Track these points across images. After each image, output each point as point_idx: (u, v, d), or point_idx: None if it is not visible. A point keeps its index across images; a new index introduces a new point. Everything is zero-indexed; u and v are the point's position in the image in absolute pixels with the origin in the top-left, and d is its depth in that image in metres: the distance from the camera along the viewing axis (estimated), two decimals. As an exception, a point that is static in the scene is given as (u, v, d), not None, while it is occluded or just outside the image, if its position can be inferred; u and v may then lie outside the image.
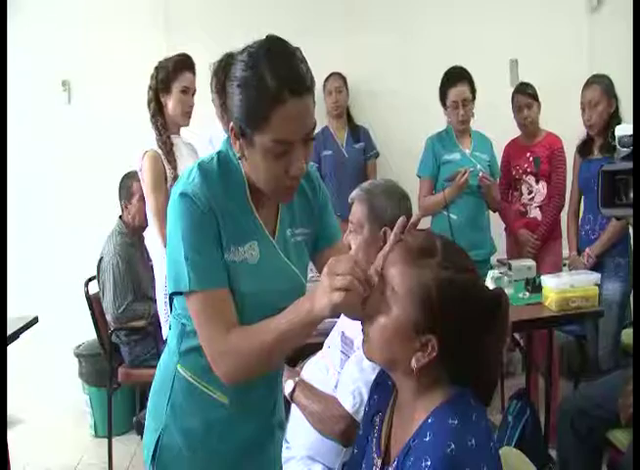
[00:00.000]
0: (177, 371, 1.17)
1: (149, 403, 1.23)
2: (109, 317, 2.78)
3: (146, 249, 2.60)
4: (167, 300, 2.33)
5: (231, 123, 1.03)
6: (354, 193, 1.71)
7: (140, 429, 2.81)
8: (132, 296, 2.77)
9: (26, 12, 3.20)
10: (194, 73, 2.36)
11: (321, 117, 3.33)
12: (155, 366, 2.71)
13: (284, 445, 1.63)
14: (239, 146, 1.04)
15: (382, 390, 1.14)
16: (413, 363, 0.97)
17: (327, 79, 3.26)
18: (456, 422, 0.92)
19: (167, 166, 2.28)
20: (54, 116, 3.30)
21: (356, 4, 3.41)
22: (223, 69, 1.03)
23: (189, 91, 2.35)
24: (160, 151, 2.29)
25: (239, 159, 1.07)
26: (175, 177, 2.29)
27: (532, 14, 3.41)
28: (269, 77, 0.96)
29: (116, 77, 3.18)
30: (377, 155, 3.33)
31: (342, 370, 1.54)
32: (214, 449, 1.16)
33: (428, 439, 0.92)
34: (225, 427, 1.15)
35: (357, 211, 1.66)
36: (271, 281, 1.10)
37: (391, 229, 1.60)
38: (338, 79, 3.25)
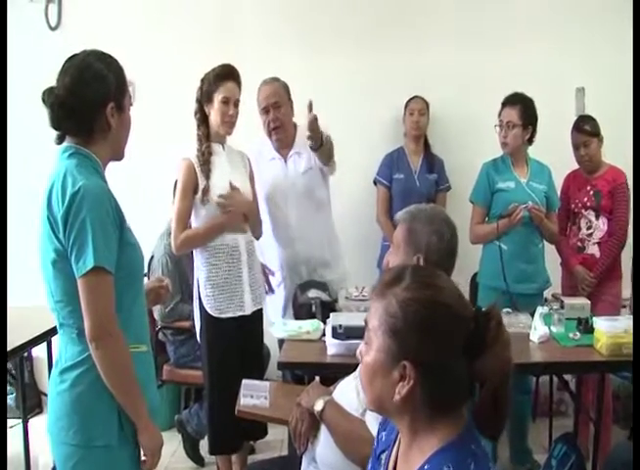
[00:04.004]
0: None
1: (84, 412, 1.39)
2: (156, 315, 2.83)
3: None
4: (198, 300, 2.42)
5: (109, 108, 1.41)
6: (399, 214, 1.69)
7: (181, 427, 2.88)
8: (180, 296, 2.82)
9: (97, 14, 3.38)
10: (237, 83, 2.38)
11: (398, 139, 3.33)
12: (198, 368, 2.75)
13: (312, 464, 1.63)
14: (114, 120, 1.42)
15: (388, 428, 1.12)
16: (396, 396, 0.93)
17: (410, 101, 3.26)
18: None
19: (200, 176, 2.34)
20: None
21: (423, 32, 3.40)
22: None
23: (229, 101, 2.34)
24: (196, 160, 2.35)
25: (107, 131, 1.42)
26: (207, 187, 2.34)
27: (603, 42, 3.29)
28: (117, 64, 1.47)
29: (179, 80, 3.26)
30: (448, 188, 3.26)
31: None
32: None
33: None
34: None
35: (398, 233, 1.66)
36: (135, 237, 1.48)
37: (424, 257, 1.59)
38: (421, 102, 3.24)
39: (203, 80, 2.37)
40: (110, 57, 1.46)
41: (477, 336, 0.93)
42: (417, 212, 1.66)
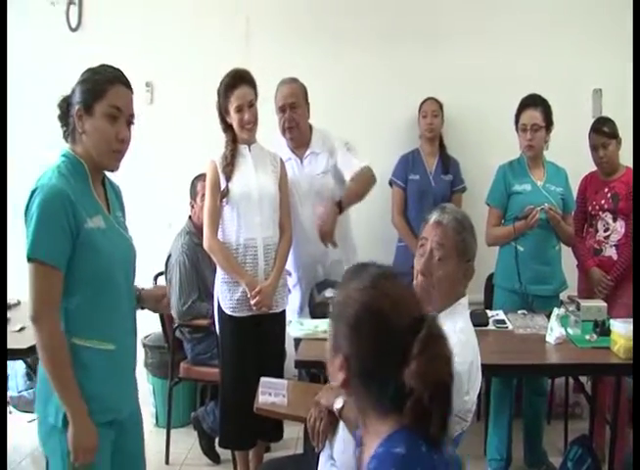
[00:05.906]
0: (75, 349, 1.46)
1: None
2: (173, 313, 2.85)
3: None
4: (216, 298, 2.44)
5: (76, 110, 1.49)
6: (444, 216, 1.61)
7: (197, 424, 2.90)
8: (197, 294, 2.84)
9: (117, 16, 3.42)
10: (248, 85, 2.41)
11: (414, 140, 3.34)
12: (215, 365, 2.79)
13: (329, 462, 1.64)
14: (82, 124, 1.49)
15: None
16: (335, 382, 1.00)
17: (423, 103, 3.26)
18: (403, 451, 0.90)
19: (221, 177, 2.44)
20: (137, 114, 3.48)
21: (439, 33, 3.40)
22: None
23: (242, 108, 2.39)
24: (220, 161, 2.45)
25: (81, 134, 1.50)
26: (226, 189, 2.42)
27: (619, 43, 3.23)
28: (107, 72, 1.52)
29: (196, 80, 3.30)
30: (464, 189, 3.26)
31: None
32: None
33: (372, 467, 0.92)
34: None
35: (445, 237, 1.60)
36: (116, 241, 1.56)
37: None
38: (434, 103, 3.24)
39: (217, 93, 2.45)
40: (106, 66, 1.55)
41: (408, 341, 0.93)
42: (462, 219, 1.62)
